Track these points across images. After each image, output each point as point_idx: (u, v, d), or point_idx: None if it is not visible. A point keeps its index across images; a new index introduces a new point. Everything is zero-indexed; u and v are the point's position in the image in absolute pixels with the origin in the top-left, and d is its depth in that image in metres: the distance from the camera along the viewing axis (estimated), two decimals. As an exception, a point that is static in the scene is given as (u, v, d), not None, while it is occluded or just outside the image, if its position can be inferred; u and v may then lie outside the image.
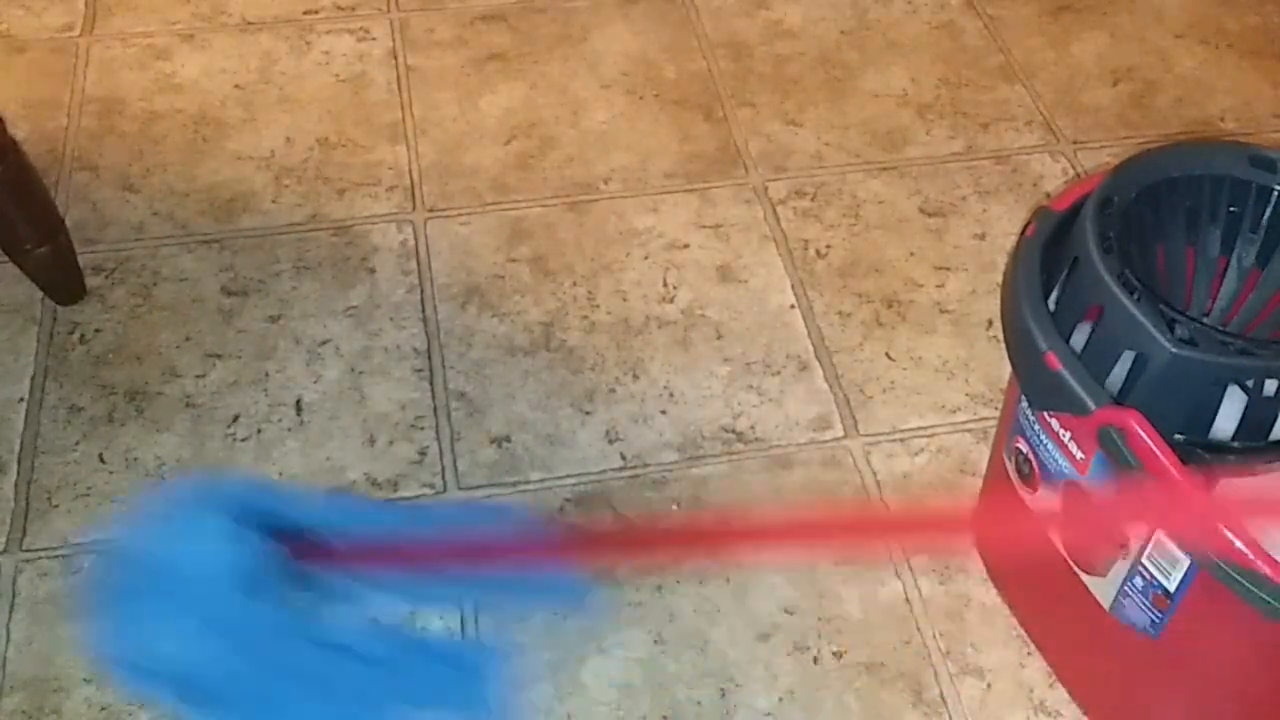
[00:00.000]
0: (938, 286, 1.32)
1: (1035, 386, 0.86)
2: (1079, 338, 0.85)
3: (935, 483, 1.15)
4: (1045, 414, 0.88)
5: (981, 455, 1.17)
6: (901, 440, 1.19)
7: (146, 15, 1.59)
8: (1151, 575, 0.83)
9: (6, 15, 1.58)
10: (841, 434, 1.19)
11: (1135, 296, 0.80)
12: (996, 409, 1.20)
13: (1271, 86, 1.56)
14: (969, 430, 1.19)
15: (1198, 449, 0.81)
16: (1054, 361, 0.83)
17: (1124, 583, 0.87)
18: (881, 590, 1.08)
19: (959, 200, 1.41)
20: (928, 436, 1.19)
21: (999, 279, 1.32)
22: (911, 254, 1.35)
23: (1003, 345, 0.90)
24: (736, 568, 1.08)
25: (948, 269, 1.33)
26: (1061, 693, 1.02)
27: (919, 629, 1.06)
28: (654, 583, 1.07)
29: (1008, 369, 0.92)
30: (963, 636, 1.05)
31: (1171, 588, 0.82)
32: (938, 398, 1.22)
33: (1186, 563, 0.80)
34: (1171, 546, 0.80)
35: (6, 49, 1.54)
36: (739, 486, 1.14)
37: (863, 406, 1.21)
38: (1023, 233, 0.92)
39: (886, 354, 1.26)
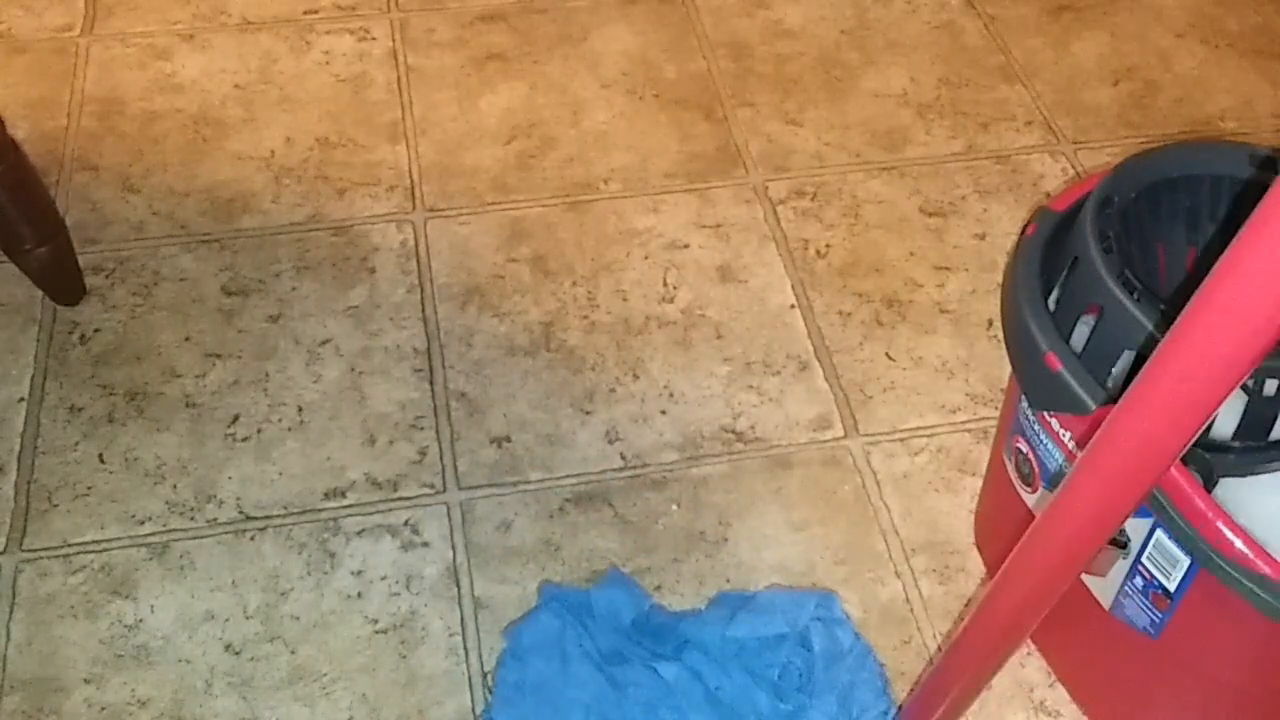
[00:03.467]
0: (938, 286, 1.32)
1: (1035, 386, 0.86)
2: (1079, 337, 0.85)
3: (935, 482, 1.15)
4: (1045, 414, 0.88)
5: (981, 455, 1.17)
6: (901, 440, 1.19)
7: (146, 15, 1.59)
8: (1151, 575, 0.83)
9: (6, 15, 1.58)
10: (841, 434, 1.19)
11: (1135, 296, 0.81)
12: (996, 409, 1.20)
13: (1271, 86, 1.56)
14: (969, 430, 1.19)
15: (1198, 449, 0.81)
16: (1054, 361, 0.83)
17: (1124, 583, 0.87)
18: (881, 590, 1.08)
19: (959, 200, 1.41)
20: (928, 436, 1.19)
21: (999, 279, 1.32)
22: (911, 254, 1.35)
23: (1003, 345, 0.90)
24: (736, 568, 1.09)
25: (948, 269, 1.33)
26: (1061, 693, 1.02)
27: (919, 629, 1.06)
28: (654, 583, 1.07)
29: (1008, 369, 0.92)
30: (963, 636, 1.05)
31: (1171, 588, 0.82)
32: (938, 398, 1.22)
33: (1186, 563, 0.80)
34: (1171, 546, 0.80)
35: (6, 49, 1.54)
36: (739, 486, 1.14)
37: (863, 406, 1.21)
38: (1023, 233, 0.92)
39: (886, 354, 1.26)
